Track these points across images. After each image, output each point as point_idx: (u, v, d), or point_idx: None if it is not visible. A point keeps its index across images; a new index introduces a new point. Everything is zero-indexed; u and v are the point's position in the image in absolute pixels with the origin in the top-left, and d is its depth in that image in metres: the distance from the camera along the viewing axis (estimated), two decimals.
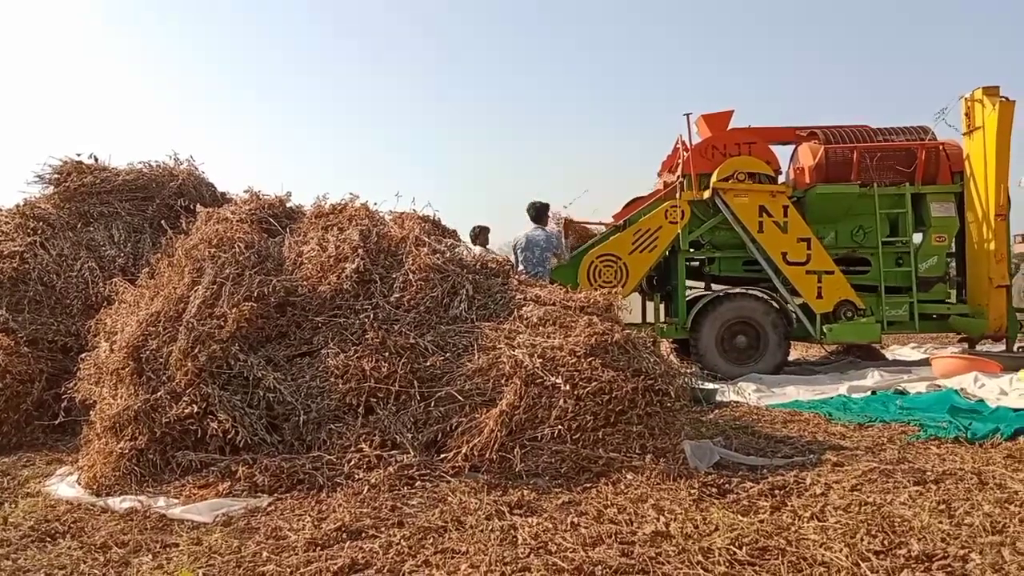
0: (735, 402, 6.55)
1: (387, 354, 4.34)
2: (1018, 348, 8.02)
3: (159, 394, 4.21)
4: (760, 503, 3.31)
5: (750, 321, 8.34)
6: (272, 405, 4.30)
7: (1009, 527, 2.81)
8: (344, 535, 3.07)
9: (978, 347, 8.80)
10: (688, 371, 6.73)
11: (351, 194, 5.78)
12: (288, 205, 6.01)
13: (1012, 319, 8.11)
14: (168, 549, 3.04)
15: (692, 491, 3.45)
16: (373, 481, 3.75)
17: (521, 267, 7.78)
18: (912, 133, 8.69)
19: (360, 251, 4.92)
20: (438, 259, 4.94)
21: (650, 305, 9.54)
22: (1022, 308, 8.56)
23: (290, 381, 4.41)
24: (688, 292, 8.86)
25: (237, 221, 5.35)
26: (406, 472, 3.86)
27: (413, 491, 3.68)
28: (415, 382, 4.27)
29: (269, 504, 3.60)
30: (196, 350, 4.33)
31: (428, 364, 4.34)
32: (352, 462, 3.94)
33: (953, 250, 8.69)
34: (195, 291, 4.66)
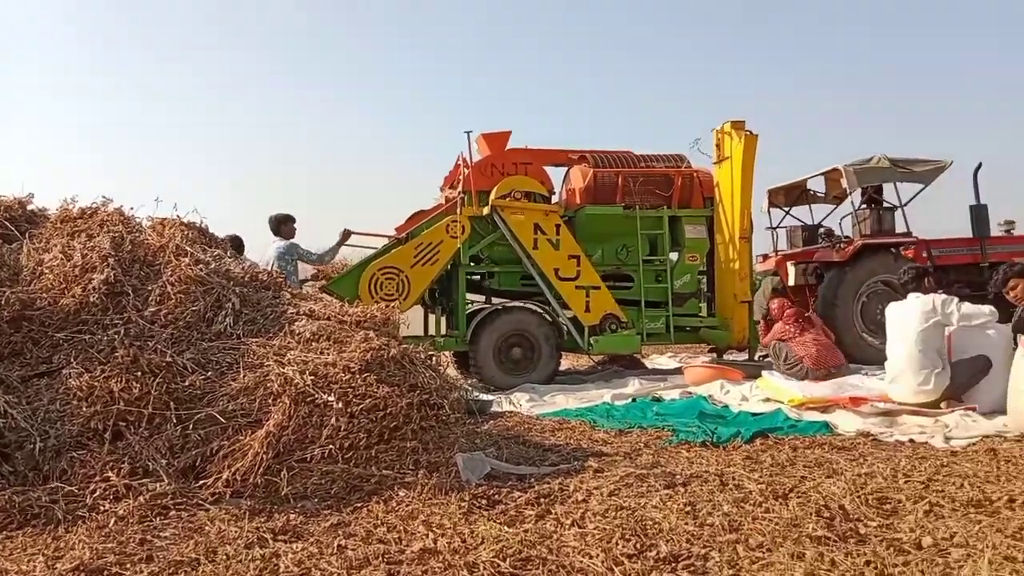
0: (509, 412, 6.74)
1: (139, 373, 3.99)
2: (759, 357, 8.94)
3: None
4: (526, 512, 3.41)
5: (525, 333, 8.65)
6: (2, 432, 3.80)
7: (744, 525, 3.08)
8: (82, 574, 2.77)
9: (725, 356, 9.73)
10: (464, 384, 6.85)
11: (103, 197, 5.29)
12: (29, 208, 5.39)
13: (753, 331, 9.04)
14: None
15: (462, 504, 3.47)
16: (121, 513, 3.41)
17: None
18: (670, 160, 9.48)
19: (111, 260, 4.49)
20: (201, 270, 4.63)
21: (432, 318, 9.61)
22: (759, 320, 9.57)
23: (24, 405, 3.92)
24: (469, 305, 9.03)
25: None
26: (159, 501, 3.54)
27: (167, 522, 3.39)
28: (171, 403, 3.95)
29: None
30: None
31: (187, 384, 4.04)
32: (97, 493, 3.56)
33: (704, 268, 9.55)
34: None
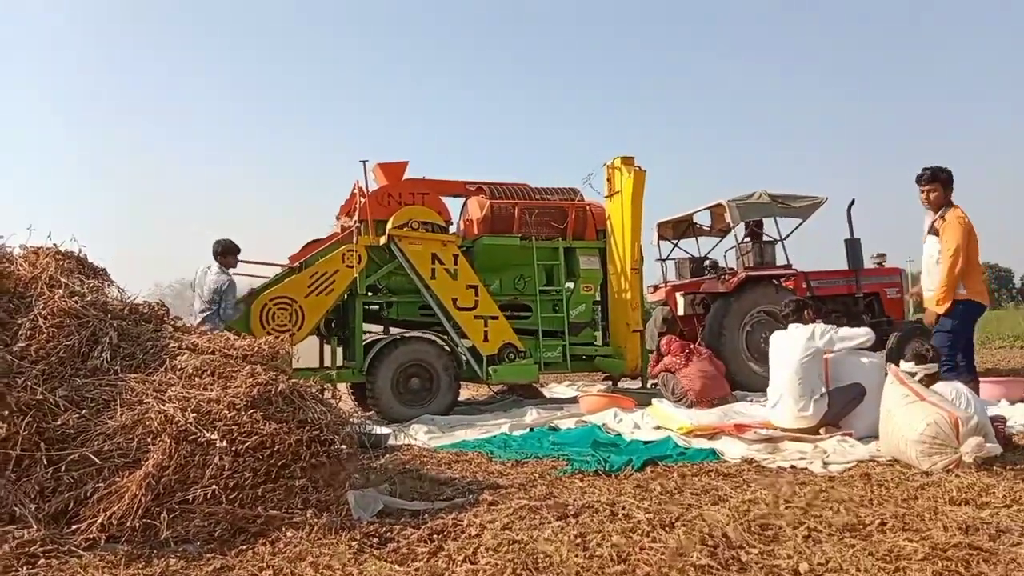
0: (406, 445, 6.66)
1: (7, 412, 3.73)
2: (651, 385, 9.18)
3: None
4: (418, 549, 3.37)
5: (424, 364, 8.60)
6: None
7: (632, 555, 3.14)
8: None
9: (620, 384, 9.95)
10: (360, 418, 6.73)
11: None
12: None
13: (645, 359, 9.28)
14: None
15: (353, 543, 3.40)
16: None
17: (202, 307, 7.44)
18: (564, 193, 9.71)
19: None
20: (76, 303, 4.39)
21: (328, 348, 9.43)
22: (652, 350, 9.84)
23: None
24: (366, 336, 8.91)
25: None
26: (27, 549, 3.31)
27: (35, 571, 3.19)
28: (42, 444, 3.71)
29: None
30: None
31: (59, 423, 3.80)
32: None
33: (599, 298, 9.77)
34: None
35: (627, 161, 9.32)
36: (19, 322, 4.23)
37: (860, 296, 10.40)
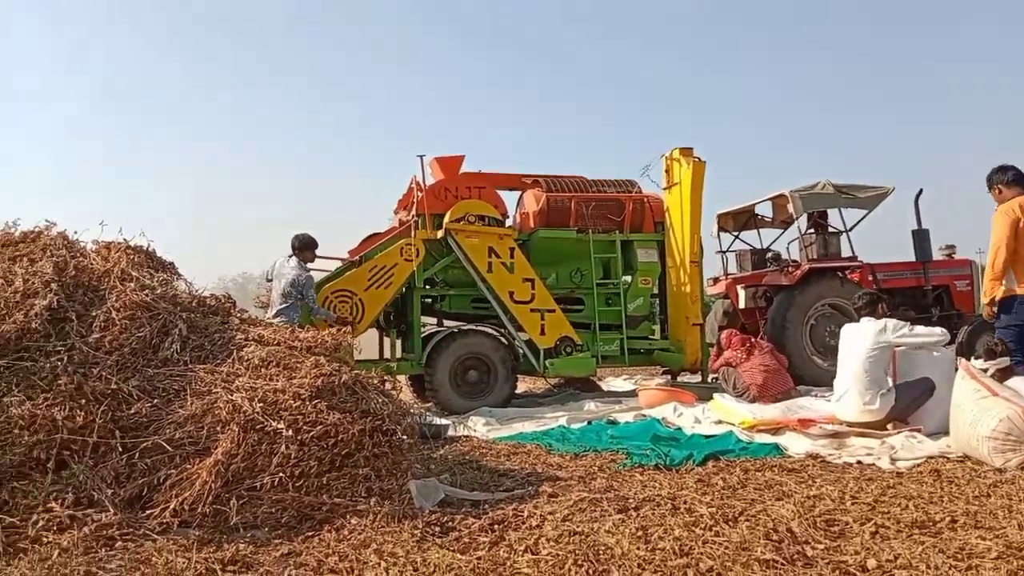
0: (465, 437, 6.71)
1: (84, 401, 3.88)
2: (711, 379, 9.06)
3: None
4: (480, 539, 3.39)
5: (481, 356, 8.65)
6: None
7: (694, 549, 3.11)
8: None
9: (679, 379, 9.85)
10: (419, 409, 6.81)
11: (47, 220, 5.15)
12: None
13: (705, 354, 9.16)
14: None
15: (415, 532, 3.45)
16: (64, 544, 3.31)
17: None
18: (621, 185, 9.62)
19: (53, 285, 4.37)
20: (147, 295, 4.53)
21: (388, 341, 9.55)
22: (712, 344, 9.71)
23: None
24: (424, 328, 9.00)
25: None
26: (105, 532, 3.44)
27: (112, 553, 3.30)
28: (117, 432, 3.85)
29: None
30: None
31: (133, 412, 3.94)
32: (39, 524, 3.45)
33: (657, 291, 9.68)
34: None
35: (686, 152, 9.20)
36: (93, 314, 4.39)
37: (929, 289, 10.09)
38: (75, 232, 5.12)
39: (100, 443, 3.81)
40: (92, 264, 4.76)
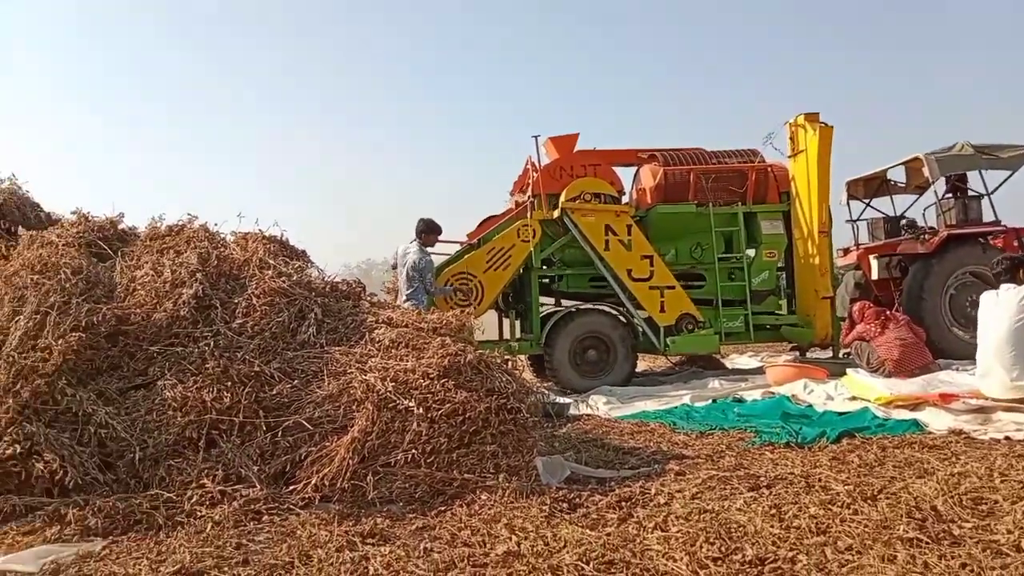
0: (586, 415, 6.73)
1: (229, 383, 4.15)
2: (843, 355, 8.69)
3: None
4: (608, 516, 3.40)
5: (600, 335, 8.62)
6: (104, 442, 4.00)
7: (832, 527, 3.01)
8: None
9: (808, 354, 9.50)
10: (541, 387, 6.86)
11: (189, 215, 5.51)
12: (120, 227, 5.64)
13: (837, 328, 8.79)
14: None
15: (544, 507, 3.49)
16: (216, 518, 3.56)
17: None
18: (743, 155, 9.31)
19: (198, 275, 4.68)
20: (284, 282, 4.78)
21: (506, 322, 9.66)
22: (844, 317, 9.30)
23: (124, 416, 4.12)
24: (542, 308, 9.05)
25: (63, 245, 4.98)
26: (252, 507, 3.68)
27: (260, 526, 3.52)
28: (260, 412, 4.10)
29: (103, 548, 3.34)
30: (18, 386, 3.98)
31: (274, 392, 4.18)
32: (193, 499, 3.73)
33: (783, 265, 9.34)
34: (16, 322, 4.30)
35: (812, 118, 8.80)
36: (236, 301, 4.67)
37: None
38: (215, 224, 5.46)
39: (246, 422, 4.07)
40: (232, 254, 5.07)
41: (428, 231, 7.93)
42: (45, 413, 4.01)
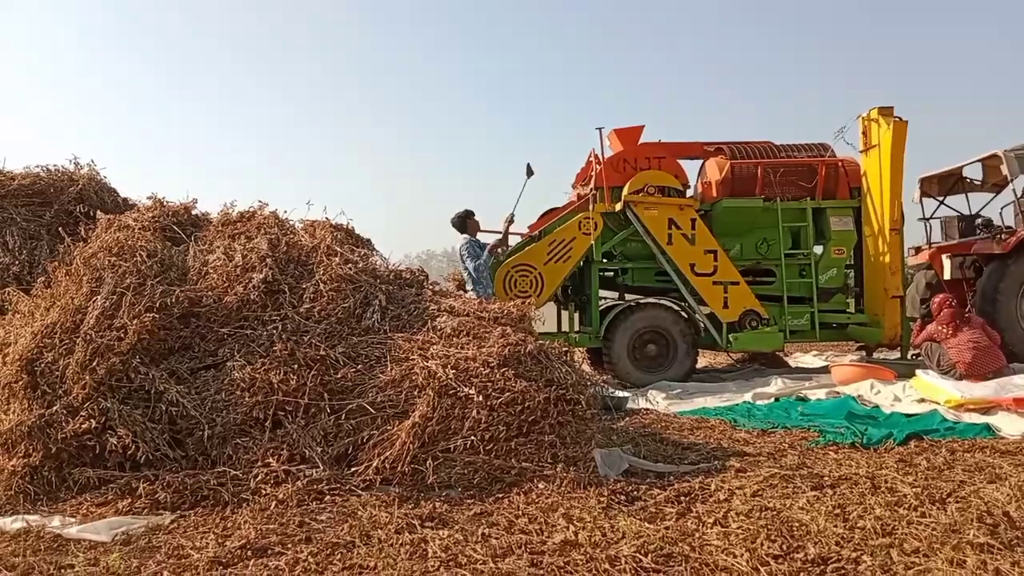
0: (645, 409, 6.69)
1: (296, 366, 4.26)
2: (912, 356, 8.44)
3: (54, 409, 4.02)
4: (666, 510, 3.39)
5: (660, 330, 8.54)
6: (175, 419, 4.16)
7: (898, 529, 2.95)
8: (249, 552, 2.99)
9: (875, 355, 9.25)
10: (599, 380, 6.84)
11: (259, 202, 5.66)
12: (193, 212, 5.83)
13: (906, 328, 8.54)
14: (63, 571, 2.90)
15: (601, 499, 3.50)
16: (280, 496, 3.67)
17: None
18: (813, 150, 9.09)
19: (268, 260, 4.81)
20: (350, 269, 4.88)
21: (565, 314, 9.65)
22: (915, 317, 9.02)
23: (194, 394, 4.27)
24: (602, 302, 9.01)
25: (139, 229, 5.16)
26: (315, 487, 3.79)
27: (322, 506, 3.62)
28: (325, 394, 4.20)
29: (171, 522, 3.48)
30: (94, 363, 4.16)
31: (339, 376, 4.27)
32: (259, 477, 3.85)
33: (852, 262, 9.10)
34: (94, 301, 4.48)
35: (885, 112, 8.53)
36: (303, 287, 4.79)
37: None
38: (284, 211, 5.60)
39: (311, 404, 4.17)
40: (301, 240, 5.19)
41: (464, 219, 7.97)
42: (119, 390, 4.18)
